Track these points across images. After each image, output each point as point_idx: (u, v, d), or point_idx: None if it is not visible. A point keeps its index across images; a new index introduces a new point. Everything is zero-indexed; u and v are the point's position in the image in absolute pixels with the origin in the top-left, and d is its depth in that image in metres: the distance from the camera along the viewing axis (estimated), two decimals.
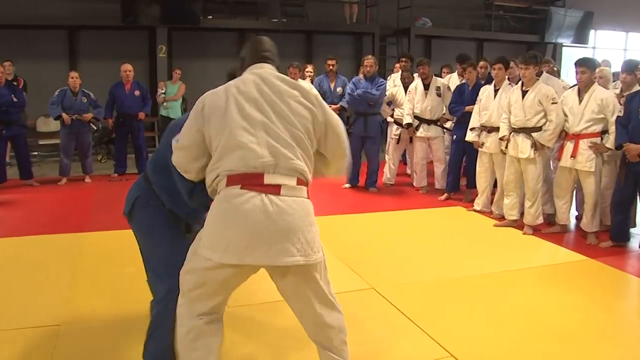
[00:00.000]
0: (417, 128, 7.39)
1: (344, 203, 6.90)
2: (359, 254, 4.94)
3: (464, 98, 6.88)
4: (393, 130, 7.93)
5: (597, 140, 5.28)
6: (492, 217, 6.27)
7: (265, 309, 3.67)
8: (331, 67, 8.27)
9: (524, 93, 5.60)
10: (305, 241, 2.25)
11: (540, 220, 5.77)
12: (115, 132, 8.88)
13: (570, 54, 12.94)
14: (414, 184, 7.82)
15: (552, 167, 6.16)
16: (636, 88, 5.20)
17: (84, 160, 8.25)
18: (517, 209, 5.90)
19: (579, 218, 5.96)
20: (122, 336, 3.34)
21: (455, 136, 7.07)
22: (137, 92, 8.56)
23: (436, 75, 7.75)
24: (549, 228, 5.83)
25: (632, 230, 5.51)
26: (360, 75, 7.65)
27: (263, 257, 2.22)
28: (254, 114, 2.31)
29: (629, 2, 14.75)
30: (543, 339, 3.40)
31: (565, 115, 5.43)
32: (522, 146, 5.60)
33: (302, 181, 2.32)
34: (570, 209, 5.82)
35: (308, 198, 2.36)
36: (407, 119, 7.39)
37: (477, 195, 6.59)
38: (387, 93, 7.69)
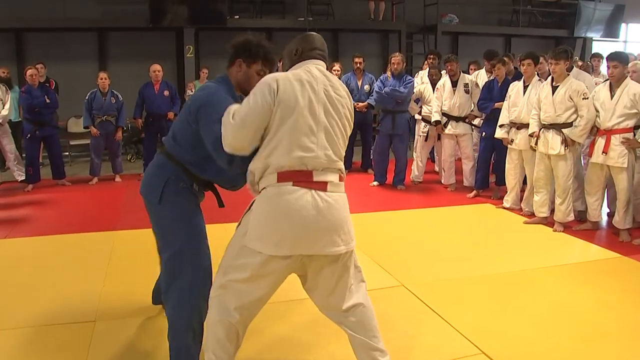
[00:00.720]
0: (445, 125, 7.34)
1: (372, 201, 6.89)
2: (388, 251, 4.94)
3: (493, 94, 6.82)
4: (421, 128, 7.91)
5: (630, 135, 5.20)
6: (521, 214, 6.21)
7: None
8: (358, 64, 8.28)
9: (554, 89, 5.53)
10: (347, 232, 2.47)
11: (571, 217, 5.70)
12: (144, 132, 8.98)
13: (601, 49, 12.72)
14: (442, 182, 7.78)
15: (583, 164, 6.08)
16: None
17: (114, 160, 8.38)
18: (547, 205, 5.84)
19: (610, 215, 5.87)
20: (155, 332, 3.39)
21: (484, 133, 7.02)
22: (166, 92, 8.65)
23: (464, 72, 7.69)
24: (580, 225, 5.76)
25: None
26: (388, 73, 7.64)
27: (312, 248, 2.40)
28: (321, 117, 2.43)
29: None
30: (575, 337, 3.36)
31: (597, 111, 5.36)
32: (552, 142, 5.54)
33: (341, 177, 2.50)
34: (601, 205, 5.74)
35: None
36: (435, 116, 7.36)
37: (507, 192, 6.54)
38: (414, 90, 7.66)
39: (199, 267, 2.79)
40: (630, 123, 5.20)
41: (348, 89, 7.98)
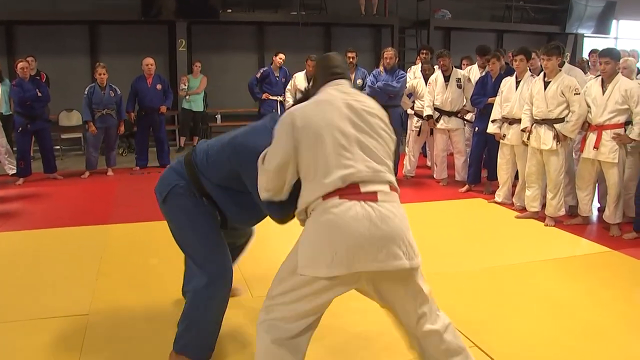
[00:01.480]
0: (437, 120, 7.37)
1: None
2: None
3: (486, 89, 6.85)
4: (413, 122, 7.93)
5: (621, 131, 5.24)
6: (513, 209, 6.25)
7: None
8: (351, 59, 8.27)
9: (546, 84, 5.56)
10: (408, 244, 2.26)
11: (563, 211, 5.75)
12: (137, 126, 8.97)
13: (592, 45, 12.81)
14: (435, 176, 7.82)
15: (574, 159, 6.12)
16: None
17: (108, 153, 8.37)
18: (538, 200, 5.88)
19: (601, 210, 5.92)
20: (148, 325, 3.40)
21: (477, 128, 7.05)
22: (158, 86, 8.64)
23: (456, 67, 7.72)
24: (571, 220, 5.81)
25: None
26: (381, 68, 7.65)
27: (372, 263, 2.15)
28: (350, 131, 2.26)
29: None
30: (567, 331, 3.39)
31: (588, 106, 5.39)
32: (544, 137, 5.57)
33: (393, 187, 2.30)
34: (592, 200, 5.79)
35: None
36: (428, 111, 7.39)
37: (498, 187, 6.58)
38: (407, 85, 7.68)
39: (208, 271, 2.78)
40: (622, 119, 5.24)
41: None
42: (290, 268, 2.26)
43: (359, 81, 8.25)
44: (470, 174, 7.20)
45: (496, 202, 6.53)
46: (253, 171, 2.42)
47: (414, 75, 8.29)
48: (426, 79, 7.64)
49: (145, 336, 3.26)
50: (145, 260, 4.57)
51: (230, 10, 11.49)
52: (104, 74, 8.04)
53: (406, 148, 8.15)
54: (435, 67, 7.70)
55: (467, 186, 7.19)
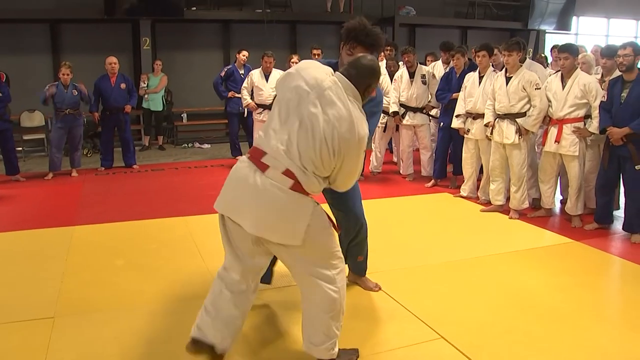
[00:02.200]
0: (403, 116, 7.42)
1: None
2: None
3: (451, 85, 6.93)
4: (379, 119, 7.95)
5: (581, 124, 5.36)
6: (478, 203, 6.34)
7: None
8: (316, 57, 8.28)
9: (507, 79, 5.66)
10: (262, 217, 2.54)
11: (526, 204, 5.85)
12: (101, 126, 8.84)
13: (554, 41, 13.06)
14: (401, 172, 7.88)
15: (536, 152, 6.23)
16: (617, 73, 5.28)
17: (73, 154, 8.21)
18: (503, 194, 5.98)
19: (563, 202, 6.04)
20: (115, 327, 3.36)
21: (442, 123, 7.12)
22: (122, 85, 8.52)
23: (421, 64, 7.78)
24: (535, 212, 5.92)
25: (615, 212, 5.61)
26: None
27: (236, 215, 2.58)
28: (290, 120, 2.56)
29: None
30: (531, 319, 3.47)
31: (549, 101, 5.50)
32: (506, 132, 5.66)
33: (290, 174, 2.51)
34: (555, 193, 5.91)
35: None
36: (393, 107, 7.43)
37: (464, 181, 6.67)
38: None
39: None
40: (581, 113, 5.35)
41: None
42: None
43: None
44: (435, 169, 7.27)
45: (462, 196, 6.62)
46: None
47: None
48: (391, 76, 7.67)
49: (112, 338, 3.23)
50: (110, 260, 4.52)
51: (194, 8, 11.41)
52: (68, 74, 7.90)
53: (372, 144, 8.19)
54: (400, 63, 7.74)
55: (433, 181, 7.27)
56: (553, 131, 5.48)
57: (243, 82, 8.46)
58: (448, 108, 6.87)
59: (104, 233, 5.30)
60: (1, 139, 7.64)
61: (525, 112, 5.58)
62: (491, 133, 5.85)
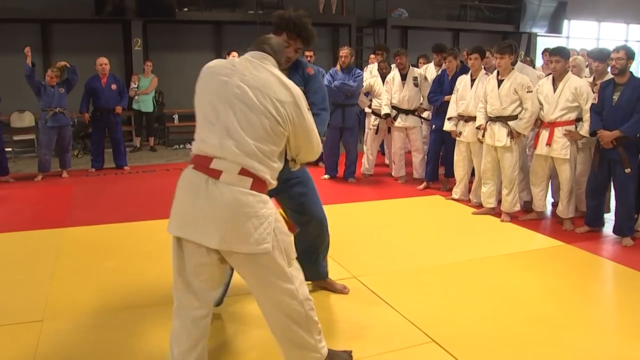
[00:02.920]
0: (395, 118, 7.43)
1: (323, 194, 6.67)
2: (340, 244, 4.94)
3: (443, 87, 6.93)
4: (371, 121, 7.96)
5: (572, 128, 5.37)
6: (470, 205, 6.35)
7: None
8: (308, 58, 8.27)
9: (499, 82, 5.66)
10: (230, 228, 2.31)
11: (518, 207, 5.86)
12: (92, 127, 8.79)
13: (545, 44, 13.13)
14: (393, 174, 7.88)
15: (528, 155, 6.25)
16: (608, 76, 5.30)
17: (63, 155, 8.14)
18: (494, 196, 5.98)
19: (555, 205, 6.05)
20: (104, 330, 3.34)
21: (434, 126, 7.13)
22: (113, 86, 8.48)
23: (413, 66, 7.79)
24: (526, 215, 5.93)
25: (606, 215, 5.63)
26: (337, 67, 7.66)
27: (192, 233, 2.37)
28: (223, 109, 2.40)
29: None
30: (522, 322, 3.47)
31: (541, 104, 5.51)
32: (498, 135, 5.67)
33: (245, 171, 2.33)
34: (546, 196, 5.92)
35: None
36: (385, 110, 7.43)
37: (455, 184, 6.67)
38: (364, 84, 7.71)
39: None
40: (572, 116, 5.37)
41: None
42: None
43: None
44: (427, 172, 7.28)
45: (453, 199, 6.63)
46: None
47: (370, 74, 8.34)
48: (383, 78, 7.68)
49: (101, 342, 3.20)
50: (101, 263, 4.49)
51: (186, 9, 11.37)
52: (52, 78, 7.83)
53: (364, 147, 8.19)
54: (392, 65, 7.74)
55: (424, 183, 7.27)
56: (544, 134, 5.49)
57: None
58: (440, 110, 6.88)
59: (95, 235, 5.27)
60: None
61: (517, 115, 5.59)
62: (483, 136, 5.86)
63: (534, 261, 4.66)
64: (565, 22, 15.16)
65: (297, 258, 2.57)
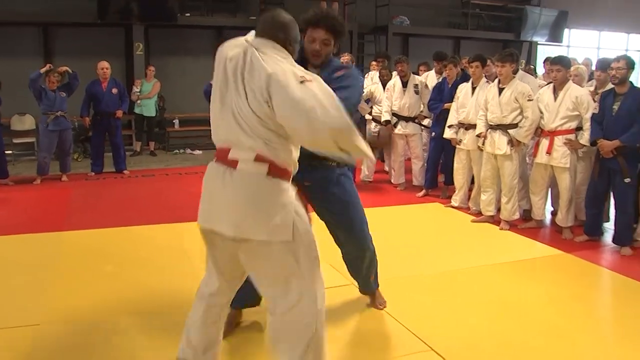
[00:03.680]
0: (395, 125, 7.43)
1: None
2: (338, 250, 4.95)
3: (443, 95, 6.94)
4: (371, 128, 7.97)
5: (572, 136, 5.37)
6: (469, 213, 6.34)
7: None
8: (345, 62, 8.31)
9: (500, 90, 5.67)
10: (243, 216, 2.30)
11: (517, 215, 5.86)
12: (92, 131, 8.80)
13: (546, 52, 13.17)
14: (392, 181, 7.87)
15: (528, 164, 6.25)
16: (609, 86, 5.30)
17: (63, 159, 8.14)
18: (494, 204, 5.98)
19: (554, 213, 6.05)
20: (102, 335, 3.33)
21: (433, 133, 7.13)
22: (114, 90, 8.49)
23: (414, 73, 7.80)
24: (525, 223, 5.92)
25: (605, 224, 5.63)
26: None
27: (216, 223, 2.36)
28: (227, 96, 2.37)
29: (601, 2, 15.04)
30: (522, 331, 3.46)
31: (541, 112, 5.51)
32: (498, 143, 5.67)
33: (260, 157, 2.29)
34: (545, 204, 5.92)
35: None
36: (386, 116, 7.43)
37: (455, 191, 6.67)
38: (365, 90, 7.71)
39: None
40: (573, 125, 5.37)
41: None
42: None
43: None
44: (427, 179, 7.27)
45: (453, 207, 6.62)
46: None
47: (371, 81, 8.35)
48: (384, 85, 7.69)
49: (98, 345, 3.19)
50: (100, 267, 4.48)
51: (188, 14, 11.39)
52: (54, 83, 7.84)
53: None
54: (393, 72, 7.75)
55: (424, 191, 7.27)
56: (544, 143, 5.49)
57: None
58: (440, 118, 6.88)
59: (93, 239, 5.26)
60: None
61: (518, 124, 5.60)
62: (483, 144, 5.86)
63: (533, 269, 4.65)
64: (566, 31, 15.19)
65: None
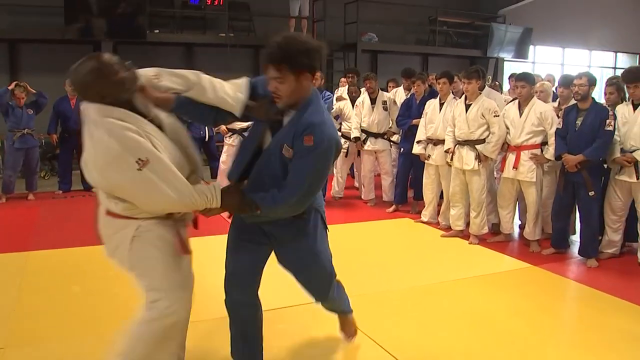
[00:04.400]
0: (364, 141, 7.47)
1: None
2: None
3: (411, 111, 7.01)
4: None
5: (538, 151, 5.47)
6: (439, 228, 6.39)
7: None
8: (350, 78, 8.30)
9: (467, 107, 5.75)
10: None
11: (486, 229, 5.93)
12: (60, 148, 8.68)
13: (512, 68, 13.42)
14: (362, 197, 7.91)
15: (495, 178, 6.33)
16: (572, 102, 5.42)
17: (30, 177, 8.00)
18: (463, 219, 6.04)
19: (522, 227, 6.13)
20: (70, 357, 3.27)
21: (402, 149, 7.20)
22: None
23: (382, 90, 7.87)
24: (494, 237, 6.00)
25: (571, 237, 5.74)
26: None
27: None
28: None
29: (565, 20, 15.42)
30: (491, 343, 3.50)
31: (507, 128, 5.61)
32: (466, 158, 5.75)
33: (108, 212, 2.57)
34: (513, 218, 6.01)
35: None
36: (355, 133, 7.46)
37: (424, 206, 6.72)
38: (334, 107, 7.76)
39: None
40: (538, 140, 5.47)
41: None
42: None
43: None
44: (396, 194, 7.32)
45: (422, 222, 6.67)
46: None
47: (340, 98, 8.40)
48: (353, 101, 7.73)
49: None
50: (66, 288, 4.41)
51: (157, 31, 11.34)
52: (23, 97, 7.74)
53: (334, 169, 8.20)
54: (362, 89, 7.81)
55: (394, 206, 7.31)
56: (511, 157, 5.59)
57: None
58: (408, 134, 6.94)
59: (60, 259, 5.17)
60: None
61: (485, 139, 5.68)
62: (451, 159, 5.93)
63: (502, 283, 4.71)
64: (531, 47, 15.52)
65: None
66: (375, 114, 7.40)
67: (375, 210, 7.44)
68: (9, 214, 7.16)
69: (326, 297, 3.12)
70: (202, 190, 2.48)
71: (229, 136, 7.71)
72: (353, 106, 7.66)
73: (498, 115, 5.61)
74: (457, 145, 5.86)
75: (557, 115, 5.45)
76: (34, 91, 7.86)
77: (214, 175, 8.70)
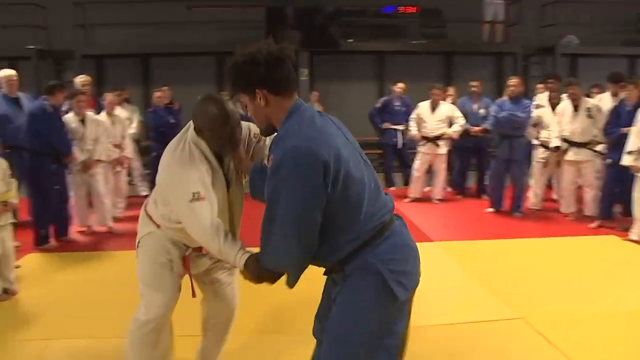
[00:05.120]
0: (565, 151, 7.05)
1: (486, 228, 6.69)
2: (505, 281, 4.78)
3: (621, 119, 6.50)
4: (539, 154, 7.63)
5: None
6: None
7: None
8: (474, 88, 8.21)
9: None
10: None
11: None
12: None
13: None
14: (562, 210, 7.47)
15: None
16: None
17: None
18: None
19: None
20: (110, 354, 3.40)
21: (609, 160, 6.67)
22: None
23: (585, 96, 7.39)
24: None
25: None
26: (505, 97, 7.46)
27: None
28: None
29: None
30: None
31: None
32: None
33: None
34: None
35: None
36: (555, 142, 7.09)
37: (633, 223, 6.14)
38: (533, 115, 7.44)
39: None
40: None
41: (462, 113, 8.02)
42: None
43: (482, 110, 8.14)
44: (601, 209, 6.81)
45: (631, 240, 6.10)
46: None
47: (539, 105, 8.02)
48: (553, 108, 7.35)
49: None
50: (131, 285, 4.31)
51: (351, 40, 11.69)
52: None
53: (531, 180, 7.83)
54: (562, 95, 7.40)
55: (597, 222, 6.80)
56: None
57: (398, 113, 8.59)
58: (617, 144, 6.42)
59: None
60: None
61: None
62: None
63: None
64: None
65: None
66: (578, 122, 6.97)
67: (576, 225, 6.96)
68: None
69: None
70: (233, 247, 2.35)
71: (422, 144, 7.79)
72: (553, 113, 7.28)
73: None
74: None
75: None
76: None
77: (406, 182, 8.87)
